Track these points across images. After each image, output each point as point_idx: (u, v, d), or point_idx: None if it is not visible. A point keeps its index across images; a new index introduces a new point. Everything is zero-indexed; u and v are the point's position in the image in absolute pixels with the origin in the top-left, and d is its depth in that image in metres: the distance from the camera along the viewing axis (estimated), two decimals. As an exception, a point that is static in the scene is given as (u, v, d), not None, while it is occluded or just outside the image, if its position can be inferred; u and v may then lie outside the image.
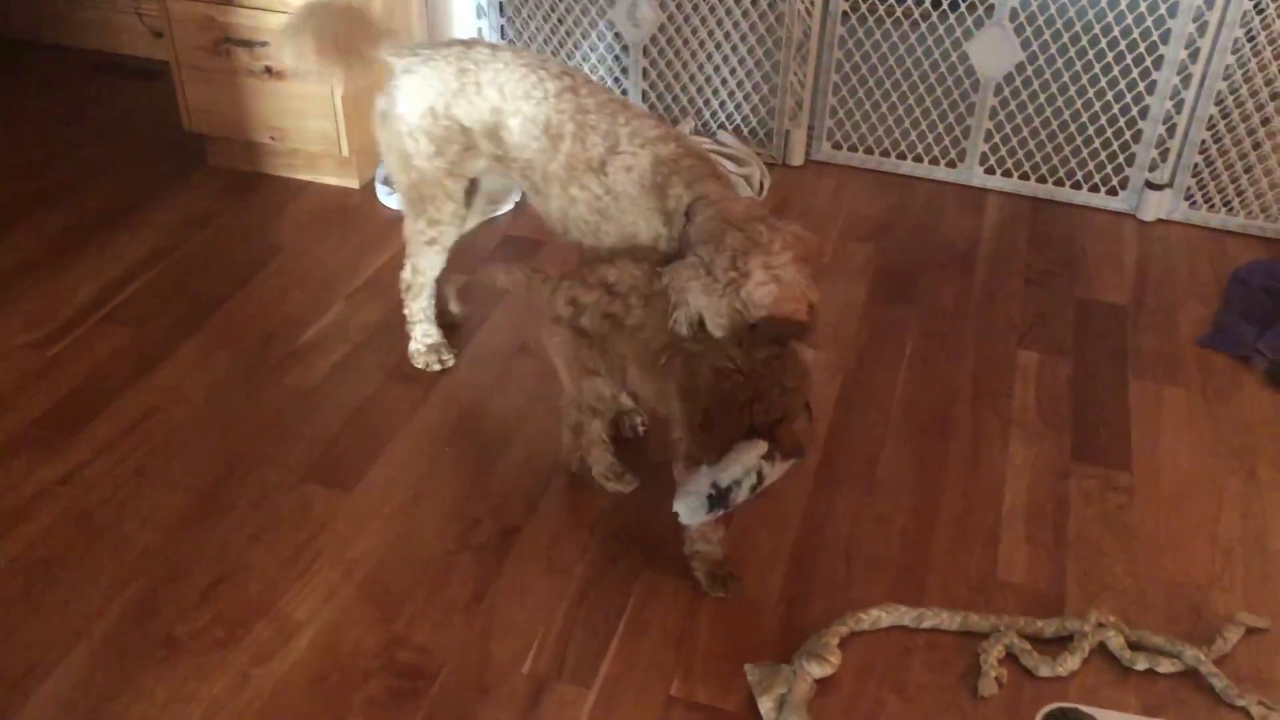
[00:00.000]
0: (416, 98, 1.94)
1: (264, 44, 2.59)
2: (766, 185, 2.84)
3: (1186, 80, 2.61)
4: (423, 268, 2.13)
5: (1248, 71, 2.55)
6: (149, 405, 2.09)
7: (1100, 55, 2.68)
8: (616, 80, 3.01)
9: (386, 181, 2.68)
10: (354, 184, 2.79)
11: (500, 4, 2.98)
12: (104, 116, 3.13)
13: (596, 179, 1.84)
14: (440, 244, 2.09)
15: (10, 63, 3.40)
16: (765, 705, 1.57)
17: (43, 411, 2.07)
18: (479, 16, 3.02)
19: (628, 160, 1.81)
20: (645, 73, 2.97)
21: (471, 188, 2.08)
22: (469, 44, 1.96)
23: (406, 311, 2.18)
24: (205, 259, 2.52)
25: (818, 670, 1.60)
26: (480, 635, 1.68)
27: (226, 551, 1.80)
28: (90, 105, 3.20)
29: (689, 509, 1.60)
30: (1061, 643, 1.68)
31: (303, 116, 2.68)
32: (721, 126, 2.99)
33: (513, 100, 1.89)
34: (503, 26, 3.02)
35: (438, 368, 2.19)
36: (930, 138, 2.91)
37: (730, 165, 2.84)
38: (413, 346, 2.20)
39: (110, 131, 3.05)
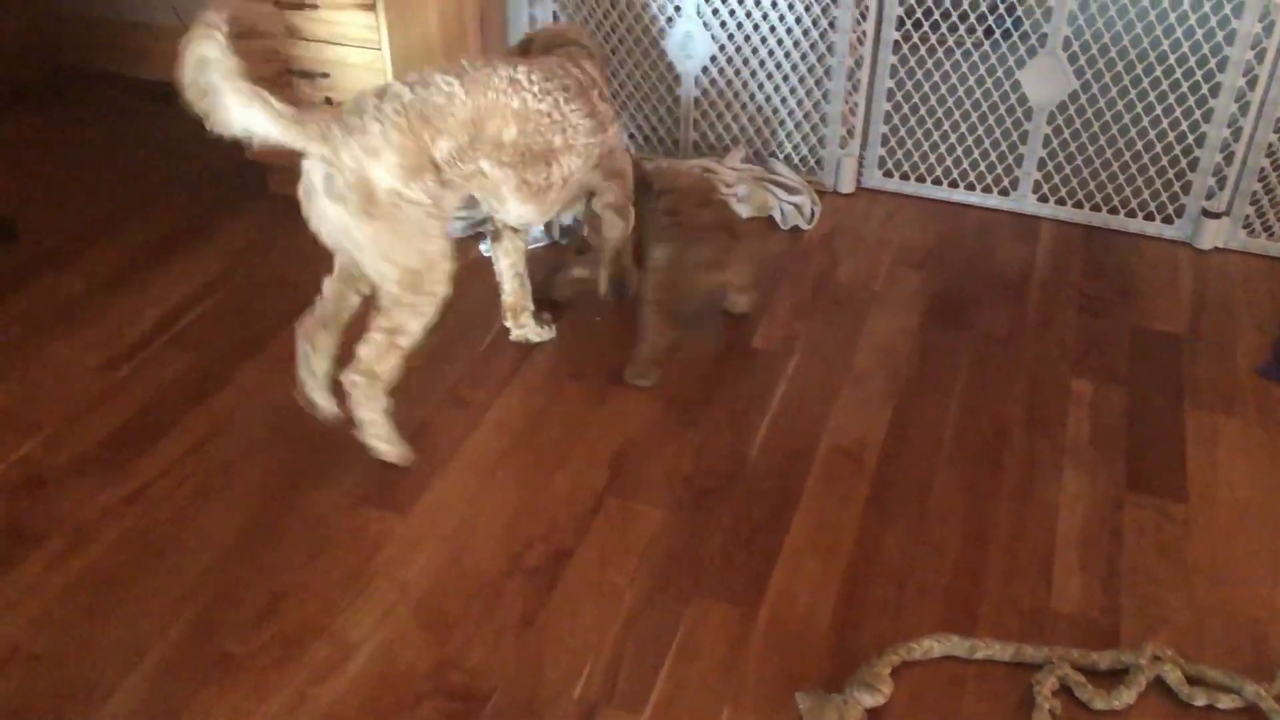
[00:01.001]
0: (401, 167, 1.83)
1: (325, 75, 2.66)
2: (817, 213, 2.85)
3: (1245, 108, 2.58)
4: (414, 338, 1.98)
5: (1307, 99, 2.53)
6: (211, 427, 2.14)
7: (1155, 83, 2.67)
8: (669, 110, 3.04)
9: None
10: (410, 211, 2.84)
11: (554, 34, 3.03)
12: (168, 144, 3.21)
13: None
14: (443, 299, 2.00)
15: (77, 92, 3.51)
16: (816, 733, 1.57)
17: (109, 433, 2.12)
18: (533, 47, 3.07)
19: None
20: (697, 102, 3.00)
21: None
22: (385, 93, 1.87)
23: (363, 412, 1.99)
24: (265, 284, 2.58)
25: (869, 700, 1.60)
26: (532, 658, 1.70)
27: (284, 572, 1.84)
28: (154, 134, 3.28)
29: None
30: (1117, 676, 1.67)
31: (361, 145, 2.73)
32: (773, 155, 3.01)
33: (488, 106, 1.96)
34: (556, 56, 3.06)
35: (406, 460, 2.05)
36: (982, 165, 2.91)
37: (781, 193, 2.86)
38: (387, 451, 2.04)
39: (174, 159, 3.13)
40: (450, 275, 1.93)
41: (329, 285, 2.04)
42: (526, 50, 2.28)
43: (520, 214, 2.11)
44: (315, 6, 2.57)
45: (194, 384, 2.26)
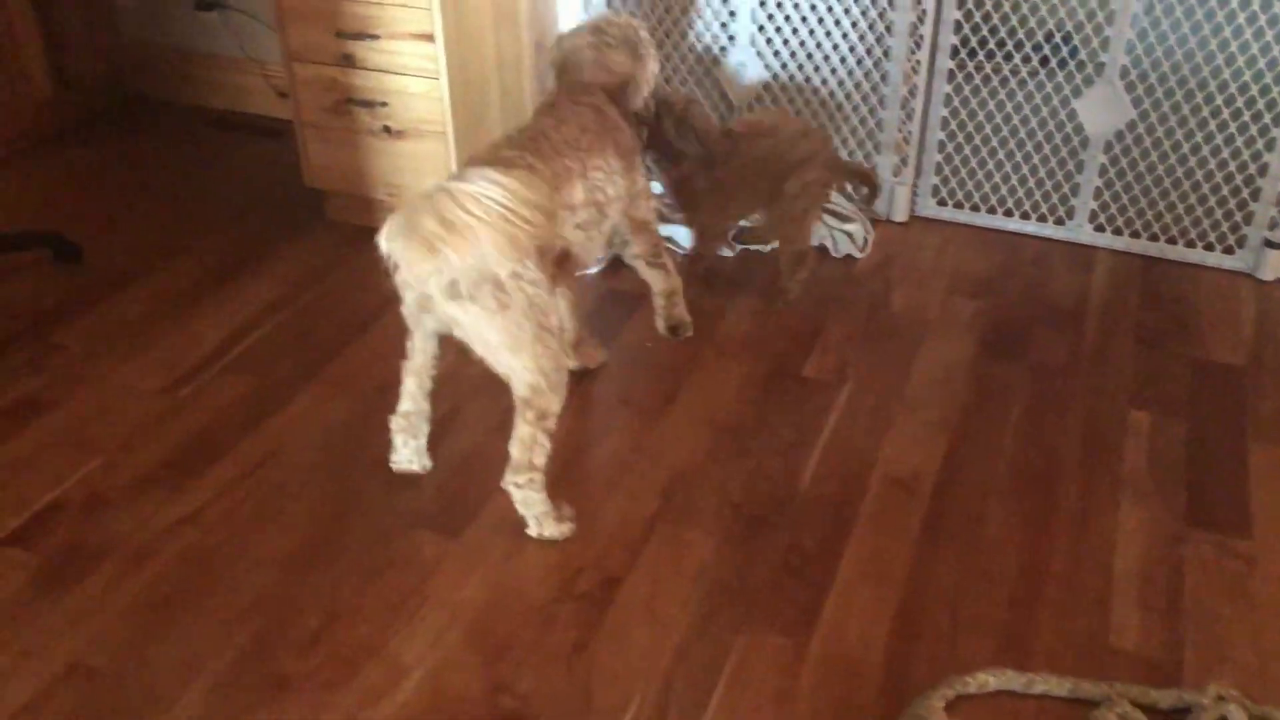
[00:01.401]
0: (514, 247, 1.71)
1: (383, 104, 2.70)
2: (870, 241, 2.84)
3: (1307, 137, 2.55)
4: (559, 413, 1.93)
5: (1372, 128, 2.49)
6: (268, 449, 2.17)
7: (1216, 112, 2.64)
8: (721, 137, 3.05)
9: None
10: (464, 238, 2.87)
11: (608, 64, 3.05)
12: (230, 172, 3.28)
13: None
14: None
15: (140, 120, 3.60)
16: (868, 766, 1.55)
17: (170, 453, 2.16)
18: (588, 76, 3.10)
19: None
20: (750, 130, 3.01)
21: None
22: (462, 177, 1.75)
23: (537, 506, 1.94)
24: (323, 310, 2.62)
25: (922, 733, 1.59)
26: (582, 685, 1.69)
27: (338, 593, 1.85)
28: (214, 161, 3.36)
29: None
30: (1178, 715, 1.63)
31: (419, 175, 2.77)
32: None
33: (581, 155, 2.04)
34: (610, 86, 3.09)
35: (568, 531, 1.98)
36: (1038, 195, 2.89)
37: (833, 221, 2.85)
38: (557, 530, 1.96)
39: (236, 186, 3.20)
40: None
41: (409, 383, 2.04)
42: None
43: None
44: (376, 37, 2.62)
45: (252, 407, 2.29)
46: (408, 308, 1.91)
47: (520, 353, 1.82)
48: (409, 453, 2.08)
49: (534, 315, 1.80)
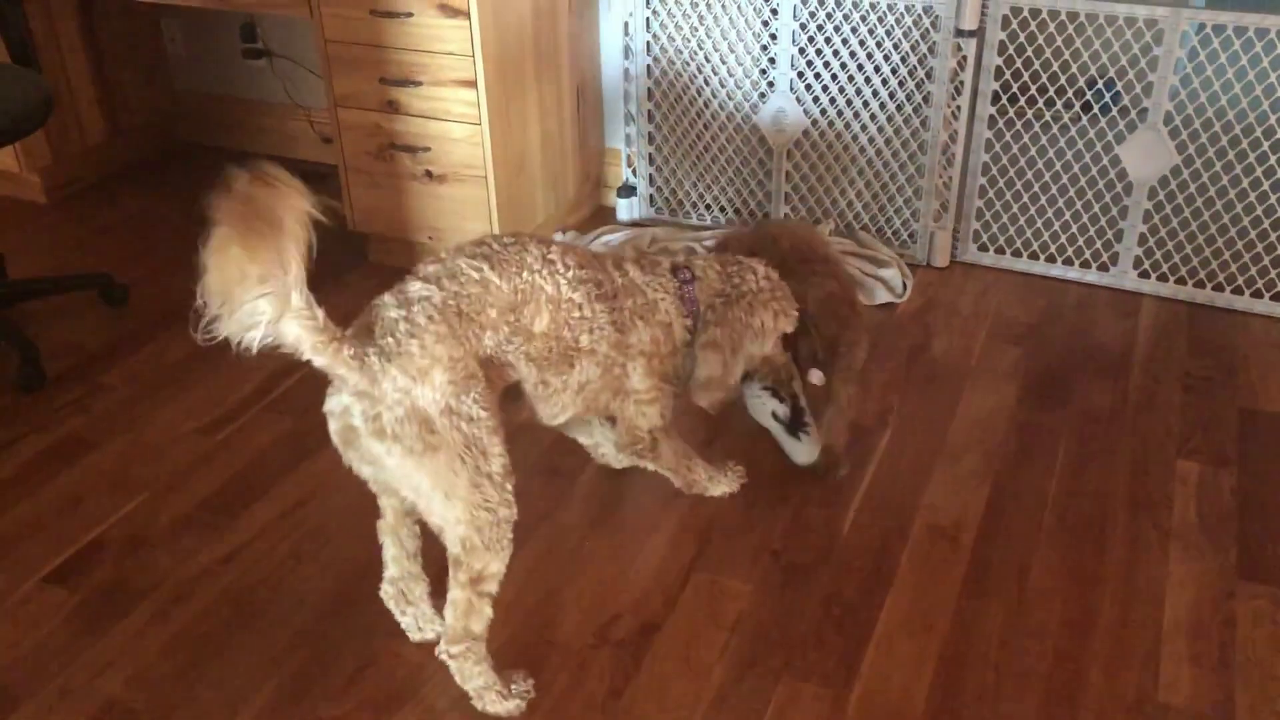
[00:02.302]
0: (449, 383, 1.55)
1: (426, 149, 2.73)
2: (909, 286, 2.82)
3: (1357, 183, 2.51)
4: (500, 576, 1.67)
5: None
6: (306, 491, 2.18)
7: (1263, 158, 2.61)
8: (760, 183, 3.06)
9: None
10: (504, 282, 2.89)
11: (649, 111, 3.08)
12: (275, 216, 3.32)
13: (607, 332, 1.82)
14: (512, 522, 1.69)
15: (189, 165, 3.66)
16: (910, 823, 1.51)
17: (209, 494, 2.17)
18: (627, 124, 3.13)
19: (624, 302, 1.87)
20: (788, 175, 3.02)
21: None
22: (399, 300, 1.63)
23: (474, 681, 1.70)
24: (363, 352, 2.63)
25: (966, 788, 1.55)
26: (618, 733, 1.67)
27: (373, 636, 1.85)
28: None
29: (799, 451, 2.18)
30: (1231, 774, 1.58)
31: (460, 218, 2.80)
32: (864, 228, 3.00)
33: (525, 289, 1.69)
34: (650, 133, 3.11)
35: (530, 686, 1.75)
36: (1081, 240, 2.86)
37: (870, 267, 2.84)
38: (502, 709, 1.71)
39: (280, 230, 3.23)
40: (512, 494, 1.65)
41: (388, 545, 1.82)
42: (724, 247, 2.23)
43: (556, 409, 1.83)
44: (419, 83, 2.66)
45: (290, 449, 2.30)
46: (335, 441, 1.63)
47: (450, 502, 1.57)
48: (410, 622, 1.84)
49: (473, 460, 1.56)
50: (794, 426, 2.16)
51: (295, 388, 2.50)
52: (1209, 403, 2.39)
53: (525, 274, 1.69)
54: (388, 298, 1.64)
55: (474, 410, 1.56)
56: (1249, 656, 1.78)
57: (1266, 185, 2.63)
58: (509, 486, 1.63)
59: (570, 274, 1.74)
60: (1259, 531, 2.04)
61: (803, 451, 2.18)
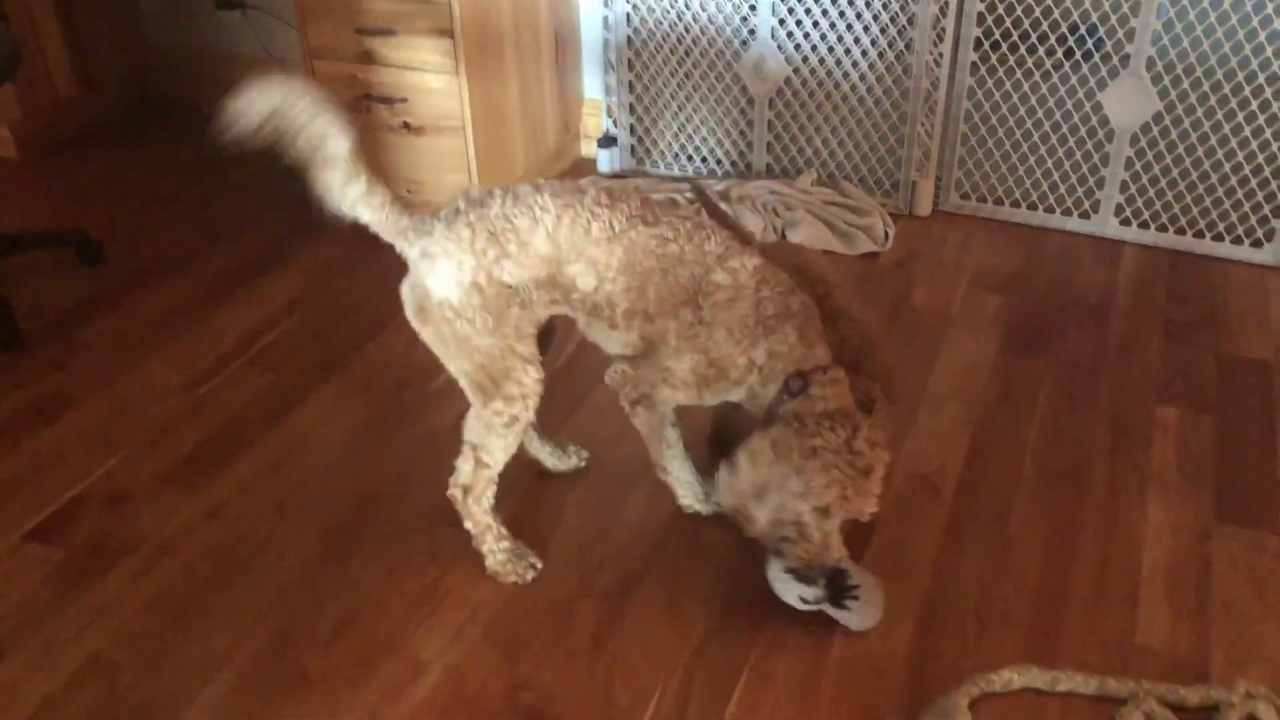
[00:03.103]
0: (453, 279, 1.67)
1: (403, 100, 2.70)
2: (891, 236, 2.82)
3: (1338, 128, 2.51)
4: (499, 458, 1.80)
5: (1405, 118, 2.45)
6: (288, 446, 2.17)
7: (1244, 103, 2.60)
8: (742, 133, 3.04)
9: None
10: (484, 235, 2.87)
11: (629, 59, 3.05)
12: (251, 172, 3.29)
13: (691, 311, 1.70)
14: (523, 420, 1.77)
15: (163, 120, 3.61)
16: (891, 765, 1.53)
17: (190, 450, 2.17)
18: (607, 73, 3.10)
19: (727, 294, 1.69)
20: (770, 125, 2.99)
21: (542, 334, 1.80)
22: (480, 200, 1.70)
23: (469, 523, 1.85)
24: (342, 307, 2.62)
25: (946, 731, 1.56)
26: (602, 681, 1.68)
27: (358, 590, 1.85)
28: (237, 159, 3.36)
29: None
30: (1206, 713, 1.61)
31: (438, 170, 2.77)
32: (846, 178, 2.98)
33: (569, 247, 1.69)
34: (630, 82, 3.08)
35: (532, 575, 1.87)
36: (1063, 188, 2.86)
37: (851, 216, 2.83)
38: (491, 563, 1.86)
39: (254, 185, 3.20)
40: (528, 399, 1.74)
41: None
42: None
43: (603, 342, 1.84)
44: (395, 33, 2.62)
45: (272, 404, 2.29)
46: None
47: (450, 365, 1.75)
48: (546, 460, 2.08)
49: (462, 348, 1.71)
50: (838, 599, 1.74)
51: (276, 342, 2.49)
52: (1189, 349, 2.40)
53: (580, 232, 1.69)
54: (471, 191, 1.74)
55: (472, 314, 1.67)
56: (1225, 598, 1.80)
57: (1248, 131, 2.62)
58: (516, 390, 1.73)
59: (660, 229, 1.69)
60: (1236, 475, 2.05)
61: (856, 619, 1.75)
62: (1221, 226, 2.74)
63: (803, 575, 1.70)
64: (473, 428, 1.79)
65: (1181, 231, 2.77)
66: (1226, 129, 2.64)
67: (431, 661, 1.72)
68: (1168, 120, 2.68)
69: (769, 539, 1.70)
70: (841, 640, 1.74)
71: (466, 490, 1.82)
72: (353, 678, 1.69)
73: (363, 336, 2.51)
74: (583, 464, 2.11)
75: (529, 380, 1.73)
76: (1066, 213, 2.86)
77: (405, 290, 1.73)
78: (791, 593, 1.74)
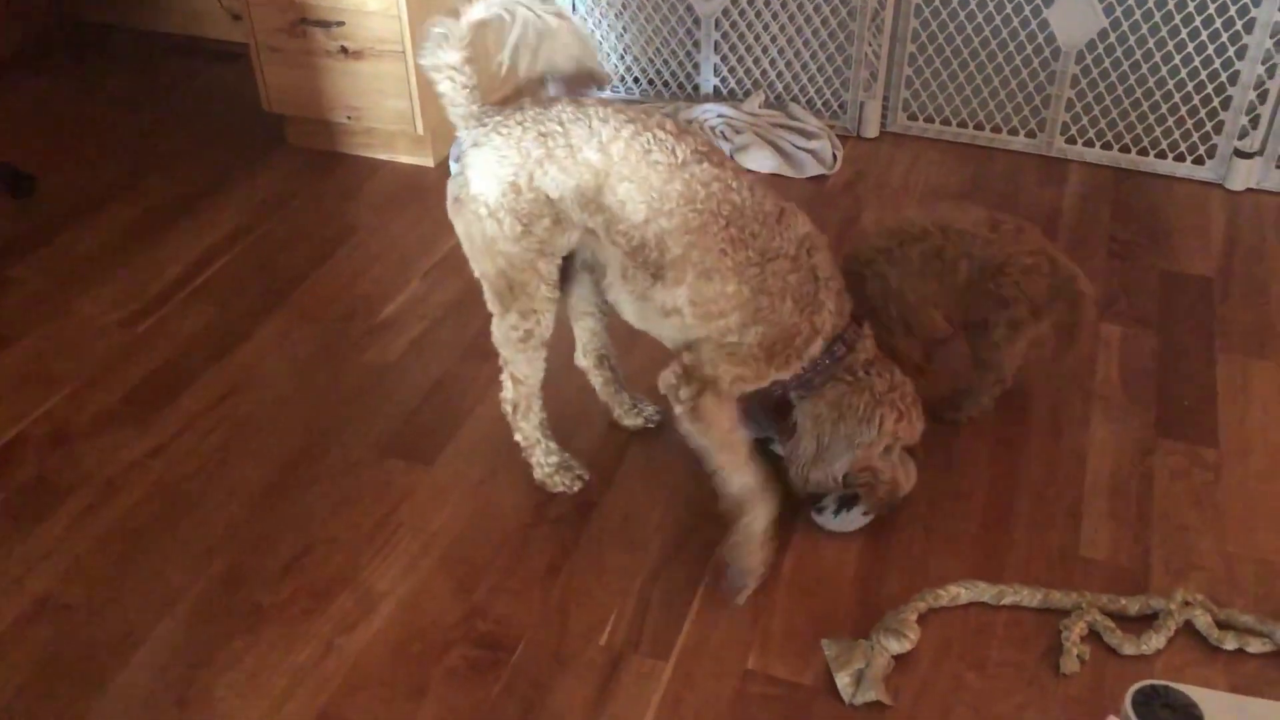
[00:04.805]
0: (493, 174, 1.63)
1: (340, 24, 2.62)
2: (839, 158, 2.81)
3: None
4: (525, 372, 1.80)
5: (1344, 33, 2.46)
6: (234, 381, 2.14)
7: (1187, 20, 2.60)
8: (689, 54, 3.00)
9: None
10: (429, 162, 2.82)
11: (572, -21, 2.98)
12: (184, 99, 3.20)
13: (757, 274, 1.60)
14: (538, 336, 1.75)
15: (92, 47, 3.49)
16: (842, 680, 1.56)
17: (133, 387, 2.13)
18: (550, -7, 3.02)
19: (789, 261, 1.63)
20: (717, 46, 2.95)
21: (565, 268, 1.75)
22: (549, 103, 1.65)
23: (519, 436, 1.88)
24: (286, 238, 2.57)
25: (896, 646, 1.60)
26: (558, 608, 1.70)
27: (310, 524, 1.84)
28: (171, 88, 3.26)
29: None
30: (1146, 621, 1.66)
31: (379, 95, 2.71)
32: (794, 99, 2.96)
33: (623, 163, 1.59)
34: (574, 3, 3.01)
35: (579, 486, 1.89)
36: (1009, 107, 2.85)
37: (799, 139, 2.82)
38: (539, 474, 1.89)
39: (191, 113, 3.11)
40: (541, 316, 1.73)
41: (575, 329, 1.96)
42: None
43: (618, 303, 1.75)
44: (329, -46, 2.54)
45: (216, 338, 2.25)
46: None
47: (474, 265, 1.74)
48: (616, 409, 2.02)
49: (486, 250, 1.68)
50: (844, 504, 1.82)
51: (217, 276, 2.44)
52: (1132, 266, 2.43)
53: (635, 155, 1.59)
54: (542, 92, 1.70)
55: (502, 216, 1.63)
56: (1165, 510, 1.85)
57: (1191, 48, 2.63)
58: (534, 306, 1.71)
59: (703, 192, 1.59)
60: (1177, 390, 2.10)
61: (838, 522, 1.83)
62: (1165, 144, 2.75)
63: (878, 510, 1.78)
64: (497, 337, 1.78)
65: (1126, 149, 2.78)
66: (1170, 46, 2.65)
67: (386, 593, 1.72)
68: (1113, 37, 2.68)
69: (836, 492, 1.78)
70: (793, 560, 1.77)
71: (515, 407, 1.84)
72: (307, 610, 1.69)
73: (307, 267, 2.46)
74: (650, 425, 2.01)
75: (541, 298, 1.70)
76: (1013, 132, 2.86)
77: (449, 181, 1.70)
78: (856, 523, 1.81)
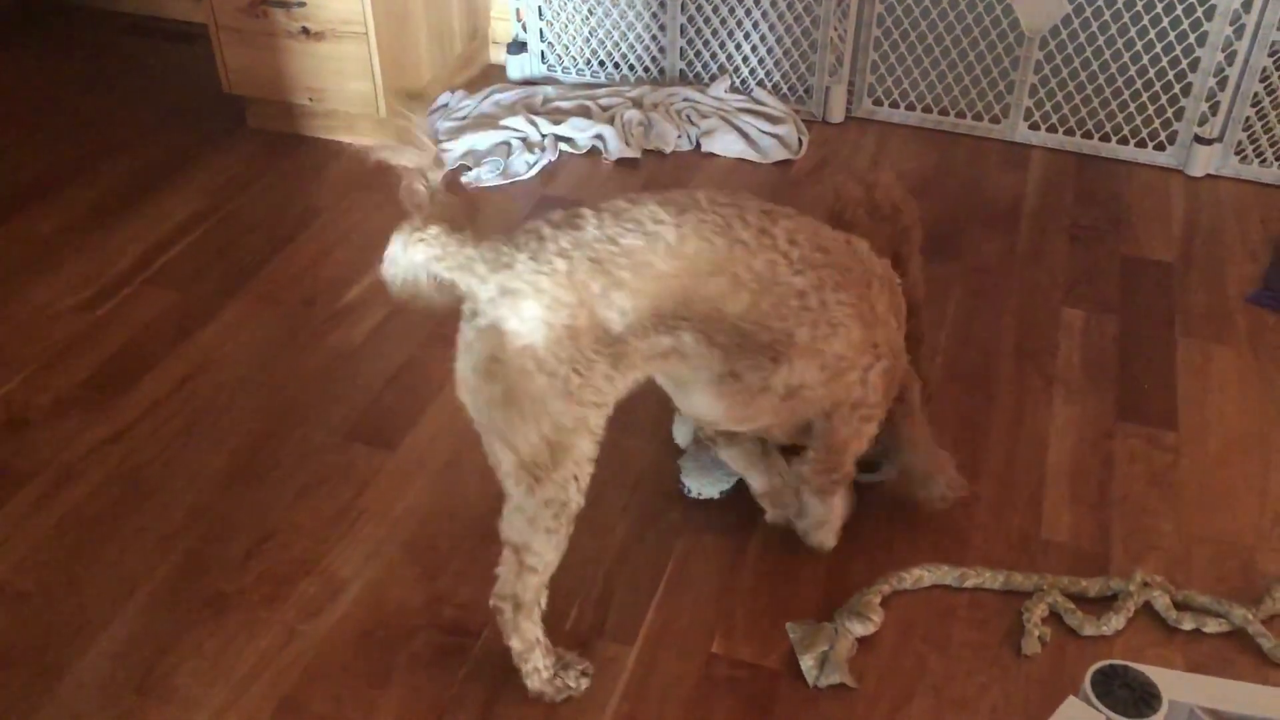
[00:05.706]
0: (543, 321, 1.34)
1: (301, 4, 2.59)
2: (805, 143, 2.81)
3: (1239, 31, 2.54)
4: (549, 558, 1.47)
5: (1303, 21, 2.49)
6: (194, 365, 2.12)
7: (1149, 6, 2.62)
8: (655, 38, 2.99)
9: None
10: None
11: (537, -39, 2.96)
12: (142, 80, 3.15)
13: (869, 307, 1.53)
14: (574, 506, 1.45)
15: (47, 26, 3.43)
16: (807, 663, 1.57)
17: (91, 372, 2.10)
18: (515, -26, 3.01)
19: (878, 285, 1.56)
20: (683, 29, 2.94)
21: None
22: (569, 223, 1.39)
23: (515, 641, 1.51)
24: (247, 221, 2.54)
25: (859, 628, 1.61)
26: (523, 592, 1.69)
27: (272, 510, 1.82)
28: (129, 69, 3.21)
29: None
30: (1106, 602, 1.67)
31: (341, 77, 2.68)
32: (760, 83, 2.96)
33: (706, 258, 1.40)
34: (539, -16, 3.00)
35: (585, 684, 1.56)
36: (974, 93, 2.86)
37: (765, 124, 2.81)
38: (537, 684, 1.54)
39: (149, 95, 3.07)
40: (582, 482, 1.45)
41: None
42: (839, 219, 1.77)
43: (705, 411, 1.58)
44: (290, -67, 2.50)
45: (175, 322, 2.23)
46: None
47: (501, 444, 1.42)
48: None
49: (533, 414, 1.37)
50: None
51: (177, 259, 2.41)
52: (1094, 251, 2.45)
53: (721, 240, 1.41)
54: (558, 214, 1.42)
55: (560, 368, 1.35)
56: (1125, 493, 1.87)
57: (1152, 34, 2.65)
58: (578, 470, 1.43)
59: (796, 253, 1.45)
60: (1137, 374, 2.12)
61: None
62: (1126, 130, 2.78)
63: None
64: (514, 525, 1.45)
65: (1088, 135, 2.80)
66: (1132, 32, 2.67)
67: (350, 579, 1.71)
68: (1076, 23, 2.70)
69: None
70: (759, 543, 1.77)
71: (517, 605, 1.48)
72: (270, 597, 1.68)
73: (269, 251, 2.43)
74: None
75: (585, 458, 1.43)
76: (977, 117, 2.87)
77: (467, 338, 1.38)
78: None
